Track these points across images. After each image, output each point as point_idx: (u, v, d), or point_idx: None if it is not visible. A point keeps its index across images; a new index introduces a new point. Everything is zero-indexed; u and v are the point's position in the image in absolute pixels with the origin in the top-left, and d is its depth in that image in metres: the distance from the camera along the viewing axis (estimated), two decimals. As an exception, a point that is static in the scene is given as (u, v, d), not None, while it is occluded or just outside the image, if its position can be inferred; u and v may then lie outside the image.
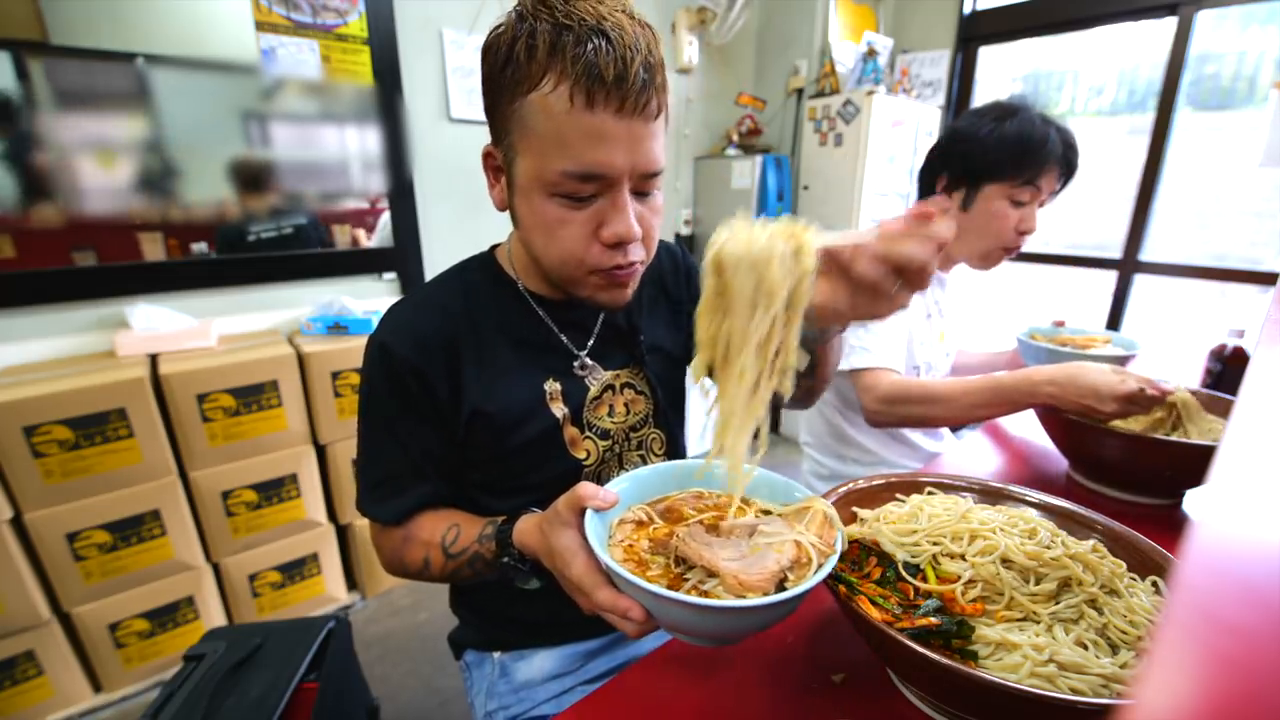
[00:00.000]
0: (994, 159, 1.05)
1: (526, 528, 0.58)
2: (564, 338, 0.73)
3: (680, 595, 0.42)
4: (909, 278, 0.47)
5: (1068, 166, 1.06)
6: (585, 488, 0.51)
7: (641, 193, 0.59)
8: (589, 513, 0.50)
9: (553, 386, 0.71)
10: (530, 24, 0.53)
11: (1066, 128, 1.04)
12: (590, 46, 0.51)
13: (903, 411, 1.02)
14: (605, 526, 0.52)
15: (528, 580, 0.60)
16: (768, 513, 0.55)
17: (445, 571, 0.66)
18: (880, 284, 0.46)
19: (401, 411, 0.67)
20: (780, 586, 0.45)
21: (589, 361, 0.74)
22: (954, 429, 1.32)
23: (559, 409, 0.71)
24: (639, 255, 0.61)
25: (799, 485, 0.57)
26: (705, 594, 0.45)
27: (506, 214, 0.65)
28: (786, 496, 0.57)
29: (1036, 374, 0.90)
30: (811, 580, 0.44)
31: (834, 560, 0.46)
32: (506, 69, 0.54)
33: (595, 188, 0.56)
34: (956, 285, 1.29)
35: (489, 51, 0.56)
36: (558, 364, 0.72)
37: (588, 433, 0.73)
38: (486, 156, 0.63)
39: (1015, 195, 1.06)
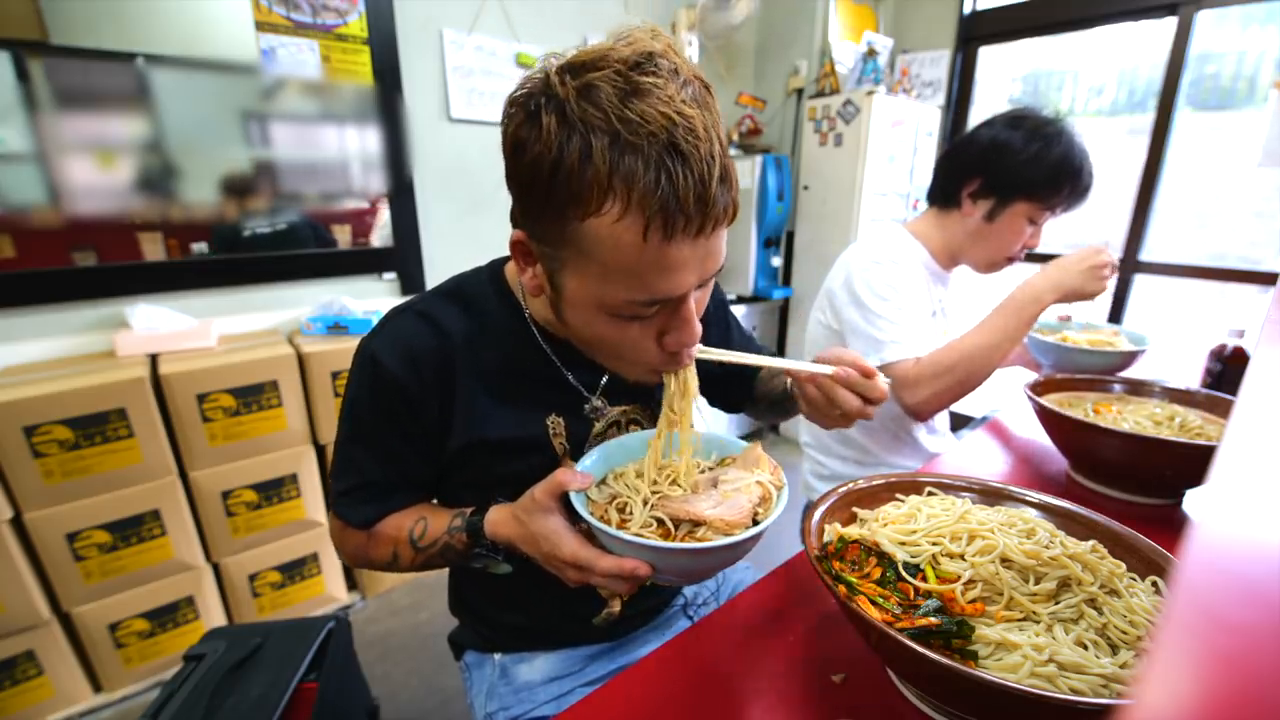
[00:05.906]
0: (1034, 179, 1.05)
1: (500, 519, 0.61)
2: (570, 375, 0.68)
3: (685, 545, 0.51)
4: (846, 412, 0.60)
5: (1083, 196, 1.09)
6: (564, 474, 0.55)
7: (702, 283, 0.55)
8: (571, 494, 0.55)
9: (555, 422, 0.68)
10: (580, 135, 0.43)
11: (1089, 156, 1.06)
12: (664, 176, 0.43)
13: (941, 385, 1.00)
14: (583, 503, 0.57)
15: (499, 566, 0.63)
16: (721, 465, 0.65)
17: (414, 563, 0.66)
18: (824, 409, 0.62)
19: (383, 426, 0.65)
20: (754, 520, 0.55)
21: (598, 404, 0.70)
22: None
23: (560, 445, 0.69)
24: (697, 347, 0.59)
25: (732, 438, 0.67)
26: (698, 539, 0.54)
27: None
28: (731, 449, 0.66)
29: (1033, 287, 1.01)
30: (776, 510, 0.55)
31: (787, 490, 0.58)
32: (554, 179, 0.45)
33: (660, 306, 0.52)
34: (960, 284, 1.30)
35: (517, 150, 0.47)
36: (561, 400, 0.69)
37: None
38: (516, 244, 0.56)
39: (1036, 215, 1.09)
